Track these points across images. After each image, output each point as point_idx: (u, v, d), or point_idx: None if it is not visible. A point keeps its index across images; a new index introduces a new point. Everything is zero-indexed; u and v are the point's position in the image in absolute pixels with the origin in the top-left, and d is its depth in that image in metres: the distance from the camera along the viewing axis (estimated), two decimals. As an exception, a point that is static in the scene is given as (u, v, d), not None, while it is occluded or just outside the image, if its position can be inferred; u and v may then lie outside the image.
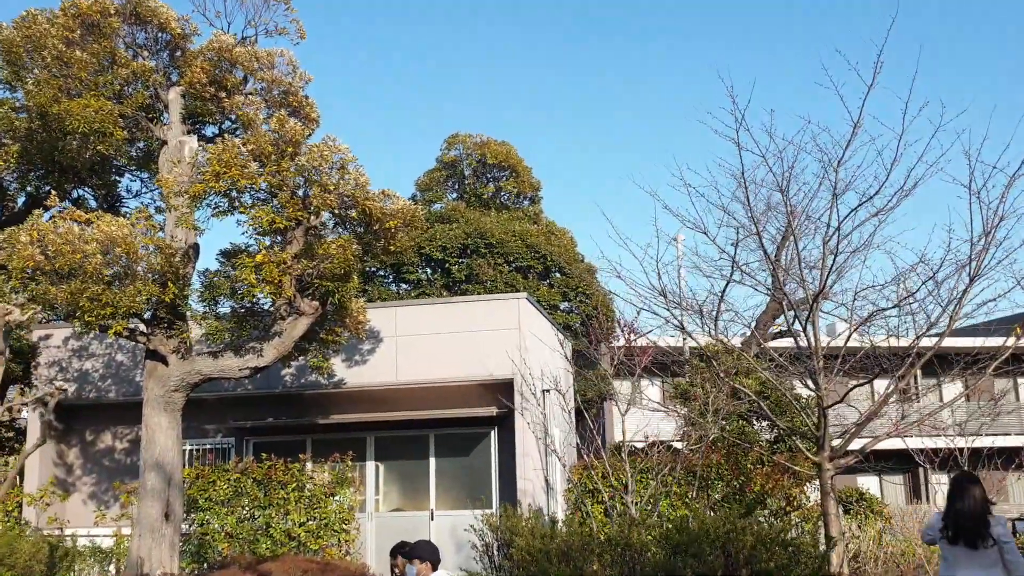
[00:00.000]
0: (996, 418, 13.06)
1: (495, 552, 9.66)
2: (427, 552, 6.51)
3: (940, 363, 11.53)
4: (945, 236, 9.78)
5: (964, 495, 5.90)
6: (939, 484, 32.66)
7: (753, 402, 15.85)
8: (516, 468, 13.88)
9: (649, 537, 8.44)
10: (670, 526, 8.61)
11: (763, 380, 16.53)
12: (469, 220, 19.92)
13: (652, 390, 21.13)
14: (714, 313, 11.59)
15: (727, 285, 12.92)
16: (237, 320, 12.09)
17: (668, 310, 11.18)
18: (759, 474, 12.89)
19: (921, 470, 32.59)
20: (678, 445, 16.63)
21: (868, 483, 31.34)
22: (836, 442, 11.06)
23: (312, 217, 11.00)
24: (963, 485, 5.98)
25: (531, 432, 14.25)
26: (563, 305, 21.56)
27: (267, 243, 11.39)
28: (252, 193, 11.13)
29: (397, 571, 7.20)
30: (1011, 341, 10.45)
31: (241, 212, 11.00)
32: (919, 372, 10.94)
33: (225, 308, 12.70)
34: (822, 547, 9.82)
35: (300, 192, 10.89)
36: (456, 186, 23.32)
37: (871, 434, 12.90)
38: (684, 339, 16.60)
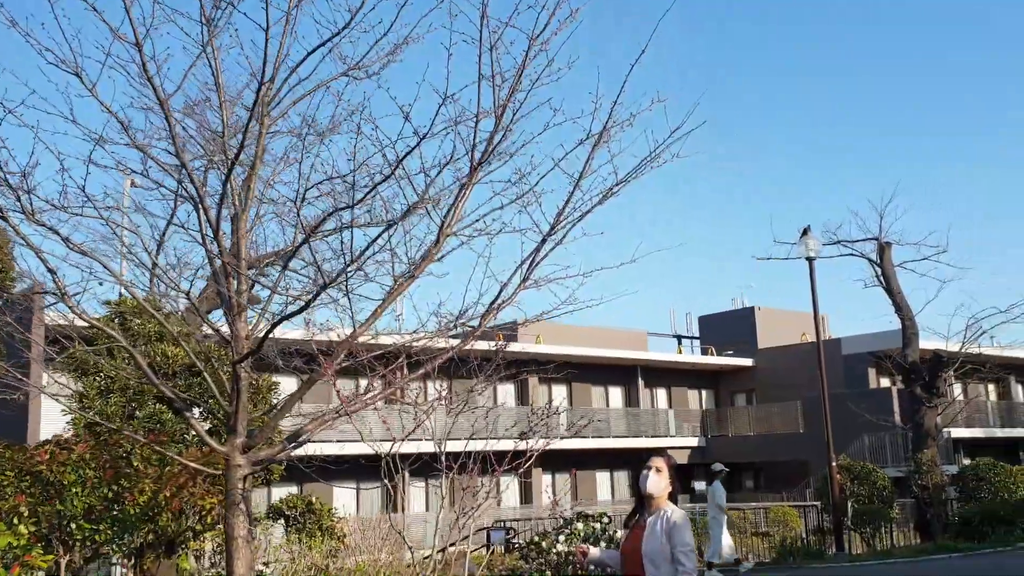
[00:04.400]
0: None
1: None
2: None
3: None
4: (448, 111, 6.33)
5: None
6: (415, 487, 31.37)
7: (180, 378, 11.50)
8: None
9: None
10: None
11: (200, 351, 12.25)
12: None
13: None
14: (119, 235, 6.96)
15: (175, 208, 8.41)
16: None
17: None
18: (150, 478, 8.44)
19: (399, 477, 30.95)
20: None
21: (346, 495, 28.72)
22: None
23: None
24: None
25: None
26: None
27: None
28: None
29: None
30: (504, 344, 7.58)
31: None
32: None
33: None
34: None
35: None
36: None
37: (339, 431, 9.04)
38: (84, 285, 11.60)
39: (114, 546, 8.16)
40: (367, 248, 5.99)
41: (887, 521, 18.78)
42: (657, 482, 4.79)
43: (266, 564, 8.52)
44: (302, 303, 6.75)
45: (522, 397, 33.69)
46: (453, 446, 9.02)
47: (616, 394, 37.26)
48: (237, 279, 7.05)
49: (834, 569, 15.12)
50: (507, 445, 9.35)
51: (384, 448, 7.85)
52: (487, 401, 33.33)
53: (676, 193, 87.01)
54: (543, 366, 32.21)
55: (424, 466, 9.73)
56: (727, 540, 15.18)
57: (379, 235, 6.02)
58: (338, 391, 5.84)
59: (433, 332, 6.71)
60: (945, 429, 21.19)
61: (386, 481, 6.14)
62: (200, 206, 6.58)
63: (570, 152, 6.56)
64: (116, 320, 12.36)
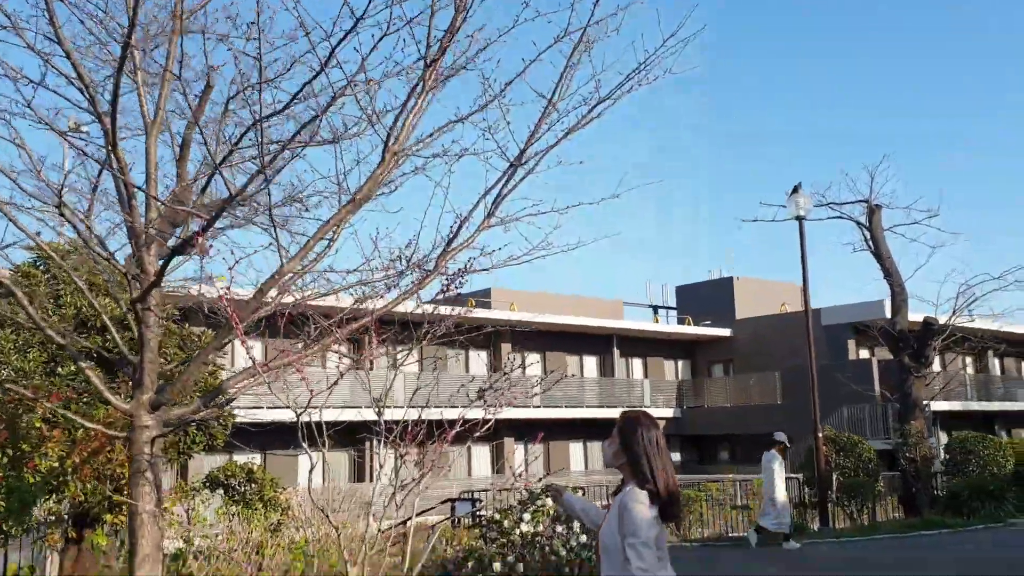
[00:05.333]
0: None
1: None
2: None
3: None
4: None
5: (665, 447, 3.73)
6: (385, 457, 30.35)
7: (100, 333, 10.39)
8: None
9: None
10: None
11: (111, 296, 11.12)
12: None
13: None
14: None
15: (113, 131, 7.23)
16: None
17: None
18: (56, 441, 7.35)
19: (368, 443, 29.89)
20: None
21: (314, 458, 27.69)
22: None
23: None
24: (659, 430, 3.76)
25: None
26: None
27: None
28: None
29: None
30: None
31: None
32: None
33: None
34: None
35: None
36: None
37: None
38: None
39: (10, 521, 7.05)
40: (281, 150, 4.86)
41: (873, 495, 18.00)
42: (606, 450, 3.85)
43: (187, 541, 7.48)
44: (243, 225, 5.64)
45: (495, 365, 32.81)
46: (416, 414, 7.94)
47: (591, 363, 36.48)
48: (146, 206, 5.93)
49: (820, 547, 14.28)
50: (476, 413, 8.30)
51: (346, 414, 6.77)
52: (459, 369, 32.41)
53: (661, 161, 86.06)
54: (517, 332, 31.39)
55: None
56: (775, 512, 14.21)
57: (295, 135, 4.89)
58: (245, 345, 4.75)
59: (380, 269, 5.63)
60: (924, 401, 20.42)
61: (307, 450, 5.08)
62: (95, 112, 5.43)
63: (544, 52, 5.45)
64: (41, 266, 11.19)
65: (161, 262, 5.44)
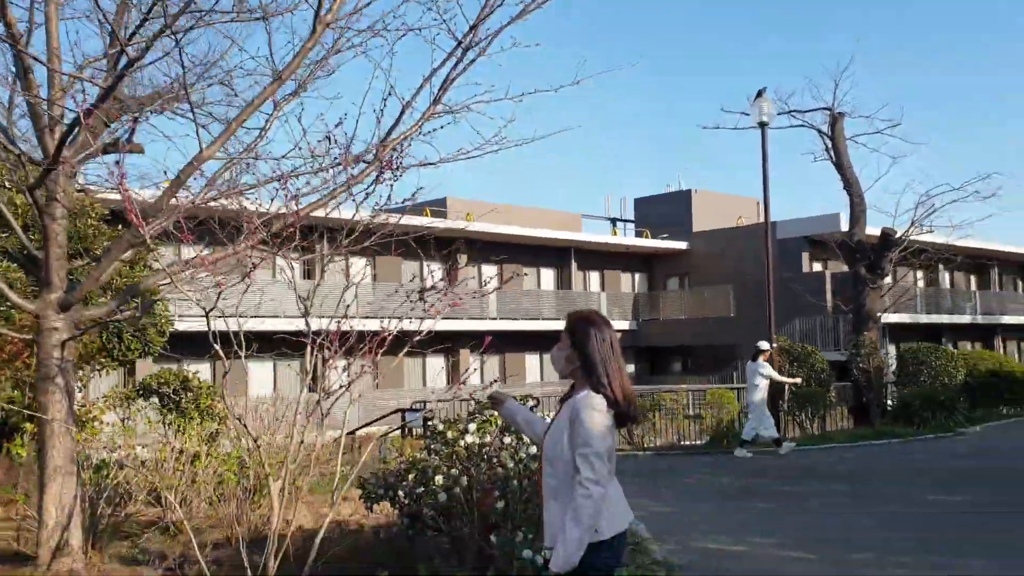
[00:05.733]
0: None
1: None
2: None
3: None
4: None
5: (619, 348, 3.42)
6: (333, 369, 30.11)
7: (34, 231, 9.71)
8: None
9: None
10: None
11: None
12: None
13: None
14: None
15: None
16: None
17: None
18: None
19: (319, 353, 29.50)
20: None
21: (264, 373, 27.54)
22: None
23: None
24: (613, 330, 3.48)
25: None
26: None
27: None
28: None
29: None
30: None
31: None
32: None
33: None
34: None
35: None
36: None
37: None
38: None
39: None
40: (184, 8, 4.24)
41: (825, 405, 18.13)
42: (556, 357, 3.44)
43: (111, 451, 7.07)
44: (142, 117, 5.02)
45: (451, 278, 32.38)
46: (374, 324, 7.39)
47: (548, 276, 36.31)
48: (49, 81, 5.28)
49: (771, 455, 14.31)
50: (417, 323, 7.77)
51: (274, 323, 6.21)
52: (414, 279, 31.93)
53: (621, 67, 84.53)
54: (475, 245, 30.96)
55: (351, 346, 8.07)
56: (756, 416, 14.25)
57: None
58: (141, 227, 4.20)
59: (310, 152, 5.09)
60: (878, 313, 20.50)
61: (222, 355, 4.62)
62: None
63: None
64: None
65: (58, 142, 4.82)
